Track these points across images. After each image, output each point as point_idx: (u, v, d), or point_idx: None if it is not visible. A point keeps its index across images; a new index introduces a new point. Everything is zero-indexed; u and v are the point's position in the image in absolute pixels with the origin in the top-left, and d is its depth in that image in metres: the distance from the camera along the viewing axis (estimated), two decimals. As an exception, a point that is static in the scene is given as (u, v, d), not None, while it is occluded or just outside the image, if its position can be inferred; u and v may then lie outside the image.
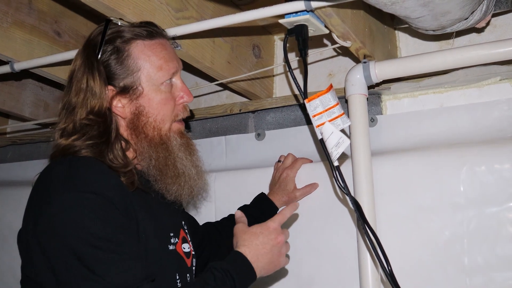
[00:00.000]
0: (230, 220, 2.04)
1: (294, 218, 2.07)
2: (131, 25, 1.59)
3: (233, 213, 2.04)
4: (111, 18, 1.58)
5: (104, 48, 1.53)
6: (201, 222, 2.01)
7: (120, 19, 1.60)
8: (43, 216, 1.36)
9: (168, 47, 1.62)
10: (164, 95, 1.57)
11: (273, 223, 1.54)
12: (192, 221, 1.93)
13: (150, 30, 1.58)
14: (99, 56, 1.52)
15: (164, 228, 1.56)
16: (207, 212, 2.22)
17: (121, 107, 1.54)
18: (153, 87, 1.55)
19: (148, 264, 1.43)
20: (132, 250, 1.36)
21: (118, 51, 1.53)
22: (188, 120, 2.45)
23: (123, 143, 1.54)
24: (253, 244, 1.50)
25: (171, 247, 1.56)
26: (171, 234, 1.59)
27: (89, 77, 1.51)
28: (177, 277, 1.57)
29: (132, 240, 1.39)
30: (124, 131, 1.56)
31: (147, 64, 1.55)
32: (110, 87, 1.53)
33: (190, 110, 1.78)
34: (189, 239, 1.71)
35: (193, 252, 1.70)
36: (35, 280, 1.41)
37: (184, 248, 1.64)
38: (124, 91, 1.54)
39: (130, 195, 1.45)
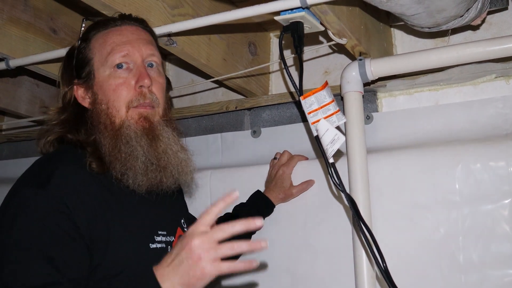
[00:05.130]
0: (226, 219, 2.03)
1: (289, 214, 2.07)
2: (98, 19, 1.63)
3: (229, 211, 2.05)
4: (88, 18, 1.61)
5: (78, 45, 1.61)
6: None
7: (101, 17, 1.63)
8: (2, 210, 1.41)
9: (126, 33, 1.58)
10: (115, 80, 1.53)
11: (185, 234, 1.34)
12: (193, 221, 1.92)
13: (111, 20, 1.60)
14: (75, 54, 1.61)
15: (145, 227, 1.54)
16: (202, 210, 2.20)
17: (83, 97, 1.59)
18: (104, 73, 1.55)
19: (120, 263, 1.42)
20: (57, 254, 1.33)
21: (84, 46, 1.59)
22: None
23: (89, 125, 1.55)
24: (164, 263, 1.30)
25: (154, 245, 1.54)
26: (161, 232, 1.58)
27: (59, 76, 1.64)
28: None
29: (67, 244, 1.35)
30: (89, 121, 1.56)
31: (98, 52, 1.57)
32: (75, 80, 1.59)
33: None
34: None
35: None
36: None
37: None
38: (83, 80, 1.58)
39: (103, 194, 1.45)
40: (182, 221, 1.73)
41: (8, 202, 1.41)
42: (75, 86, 1.59)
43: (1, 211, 1.42)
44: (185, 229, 1.71)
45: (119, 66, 1.54)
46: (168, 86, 1.70)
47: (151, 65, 1.59)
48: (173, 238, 1.62)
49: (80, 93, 1.59)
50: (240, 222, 1.26)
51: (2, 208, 1.43)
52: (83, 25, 1.60)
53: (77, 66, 1.60)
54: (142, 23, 1.64)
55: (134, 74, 1.54)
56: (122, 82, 1.53)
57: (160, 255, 1.54)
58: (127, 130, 1.51)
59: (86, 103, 1.58)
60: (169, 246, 1.59)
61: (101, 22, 1.61)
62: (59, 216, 1.35)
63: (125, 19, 1.61)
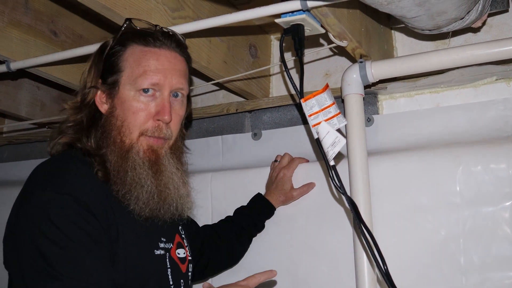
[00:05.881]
0: (227, 222, 2.04)
1: (290, 217, 2.07)
2: (141, 29, 1.60)
3: (230, 214, 2.05)
4: (131, 18, 1.60)
5: (112, 44, 1.58)
6: (197, 222, 2.02)
7: (145, 21, 1.62)
8: (19, 214, 1.41)
9: (163, 59, 1.56)
10: (137, 104, 1.53)
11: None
12: (192, 225, 1.93)
13: (152, 38, 1.57)
14: (106, 52, 1.58)
15: (150, 233, 1.56)
16: (203, 212, 2.21)
17: (101, 102, 1.58)
18: (129, 92, 1.54)
19: (127, 268, 1.44)
20: (97, 254, 1.37)
21: (118, 50, 1.57)
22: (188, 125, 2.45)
23: (99, 134, 1.56)
24: None
25: (158, 252, 1.56)
26: (163, 239, 1.59)
27: (87, 70, 1.61)
28: (171, 282, 1.57)
29: (100, 245, 1.39)
30: (101, 128, 1.56)
31: (130, 67, 1.55)
32: (99, 81, 1.58)
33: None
34: (186, 244, 1.70)
35: (189, 258, 1.70)
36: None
37: (178, 254, 1.64)
38: (107, 87, 1.57)
39: (111, 200, 1.47)
40: (180, 227, 1.73)
41: (25, 206, 1.41)
42: (97, 89, 1.59)
43: (17, 214, 1.42)
44: (183, 236, 1.72)
45: (145, 90, 1.53)
46: (188, 103, 1.70)
47: (176, 95, 1.59)
48: (171, 245, 1.63)
49: (100, 97, 1.58)
50: None
51: (16, 211, 1.43)
52: (125, 25, 1.59)
53: (106, 68, 1.58)
54: (181, 49, 1.62)
55: (157, 104, 1.54)
56: (143, 108, 1.53)
57: (161, 262, 1.56)
58: (135, 156, 1.52)
59: (103, 108, 1.58)
60: (168, 253, 1.60)
61: (141, 34, 1.58)
62: (87, 217, 1.38)
63: (166, 39, 1.59)
